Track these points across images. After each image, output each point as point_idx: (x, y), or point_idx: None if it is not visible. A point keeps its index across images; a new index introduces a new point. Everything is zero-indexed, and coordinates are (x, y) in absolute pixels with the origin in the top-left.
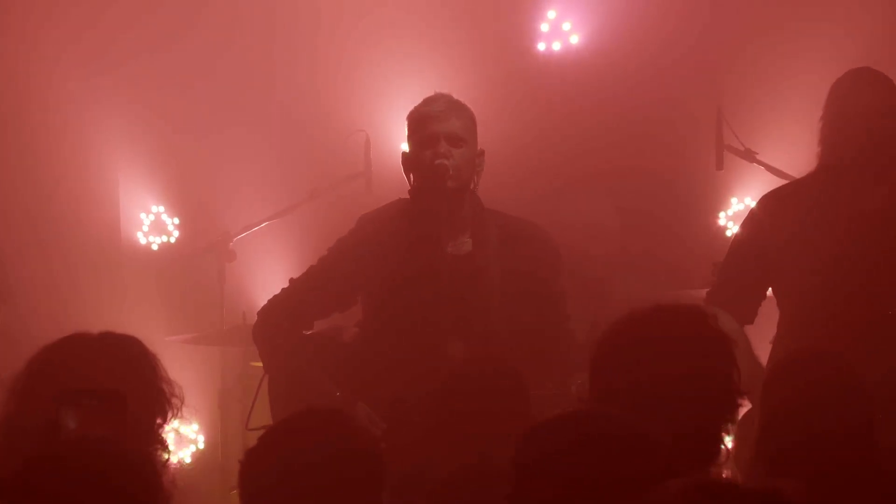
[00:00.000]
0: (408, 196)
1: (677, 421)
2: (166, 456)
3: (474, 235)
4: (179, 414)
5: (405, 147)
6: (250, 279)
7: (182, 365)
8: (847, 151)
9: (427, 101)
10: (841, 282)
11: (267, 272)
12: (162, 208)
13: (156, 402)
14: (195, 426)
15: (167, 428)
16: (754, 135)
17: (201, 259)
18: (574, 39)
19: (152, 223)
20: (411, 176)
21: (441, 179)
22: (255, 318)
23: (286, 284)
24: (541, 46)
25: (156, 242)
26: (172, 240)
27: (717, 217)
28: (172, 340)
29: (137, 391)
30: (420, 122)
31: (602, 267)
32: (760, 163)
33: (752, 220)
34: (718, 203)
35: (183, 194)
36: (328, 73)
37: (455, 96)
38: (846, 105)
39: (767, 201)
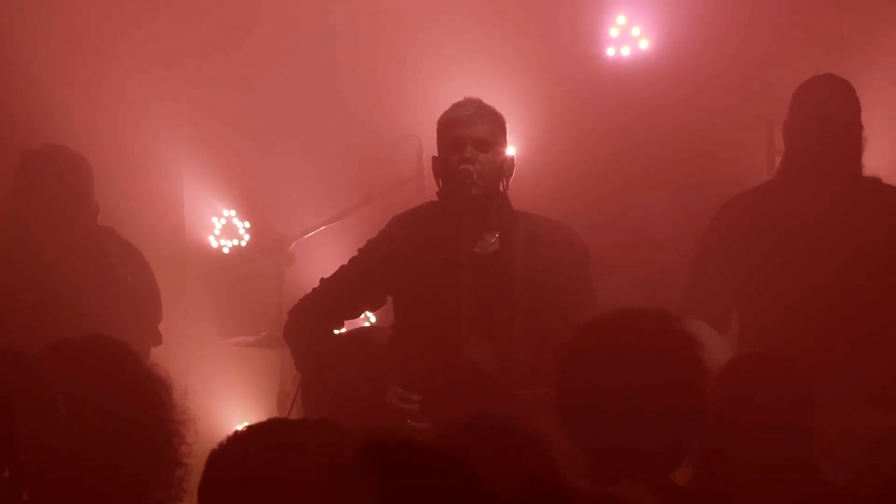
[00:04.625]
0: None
1: (642, 426)
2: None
3: (502, 236)
4: (179, 412)
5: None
6: (309, 283)
7: (242, 368)
8: (805, 156)
9: (455, 106)
10: (799, 286)
11: (325, 276)
12: (234, 212)
13: (146, 404)
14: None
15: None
16: None
17: (261, 263)
18: (643, 45)
19: (224, 227)
20: (440, 180)
21: (465, 184)
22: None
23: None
24: (610, 51)
25: (227, 246)
26: (243, 243)
27: None
28: (231, 343)
29: (124, 395)
30: (447, 127)
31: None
32: None
33: (715, 227)
34: None
35: (254, 199)
36: (384, 78)
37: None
38: (806, 111)
39: (730, 208)
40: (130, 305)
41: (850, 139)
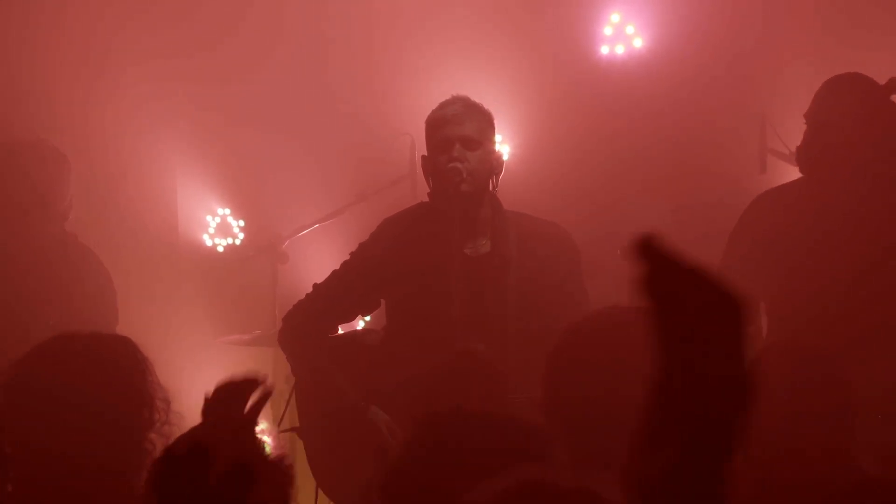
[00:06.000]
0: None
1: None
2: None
3: (493, 237)
4: (165, 419)
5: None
6: (303, 281)
7: (236, 366)
8: (826, 156)
9: (443, 105)
10: (827, 284)
11: (320, 274)
12: (228, 210)
13: (141, 405)
14: (263, 425)
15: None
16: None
17: (255, 261)
18: (638, 43)
19: (218, 225)
20: (430, 180)
21: (454, 183)
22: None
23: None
24: (604, 50)
25: (221, 245)
26: (237, 242)
27: None
28: (225, 342)
29: (122, 394)
30: (435, 126)
31: None
32: None
33: (744, 222)
34: None
35: (248, 197)
36: (379, 76)
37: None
38: (826, 110)
39: (759, 202)
40: (84, 313)
41: (876, 135)
